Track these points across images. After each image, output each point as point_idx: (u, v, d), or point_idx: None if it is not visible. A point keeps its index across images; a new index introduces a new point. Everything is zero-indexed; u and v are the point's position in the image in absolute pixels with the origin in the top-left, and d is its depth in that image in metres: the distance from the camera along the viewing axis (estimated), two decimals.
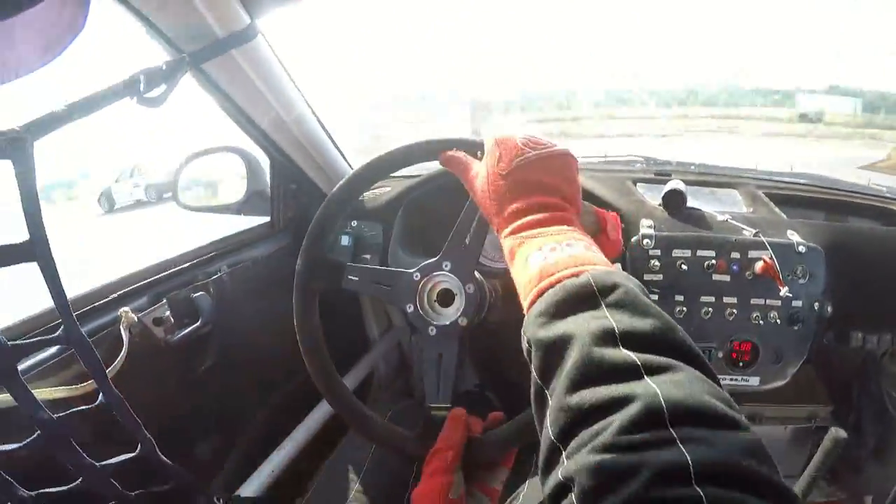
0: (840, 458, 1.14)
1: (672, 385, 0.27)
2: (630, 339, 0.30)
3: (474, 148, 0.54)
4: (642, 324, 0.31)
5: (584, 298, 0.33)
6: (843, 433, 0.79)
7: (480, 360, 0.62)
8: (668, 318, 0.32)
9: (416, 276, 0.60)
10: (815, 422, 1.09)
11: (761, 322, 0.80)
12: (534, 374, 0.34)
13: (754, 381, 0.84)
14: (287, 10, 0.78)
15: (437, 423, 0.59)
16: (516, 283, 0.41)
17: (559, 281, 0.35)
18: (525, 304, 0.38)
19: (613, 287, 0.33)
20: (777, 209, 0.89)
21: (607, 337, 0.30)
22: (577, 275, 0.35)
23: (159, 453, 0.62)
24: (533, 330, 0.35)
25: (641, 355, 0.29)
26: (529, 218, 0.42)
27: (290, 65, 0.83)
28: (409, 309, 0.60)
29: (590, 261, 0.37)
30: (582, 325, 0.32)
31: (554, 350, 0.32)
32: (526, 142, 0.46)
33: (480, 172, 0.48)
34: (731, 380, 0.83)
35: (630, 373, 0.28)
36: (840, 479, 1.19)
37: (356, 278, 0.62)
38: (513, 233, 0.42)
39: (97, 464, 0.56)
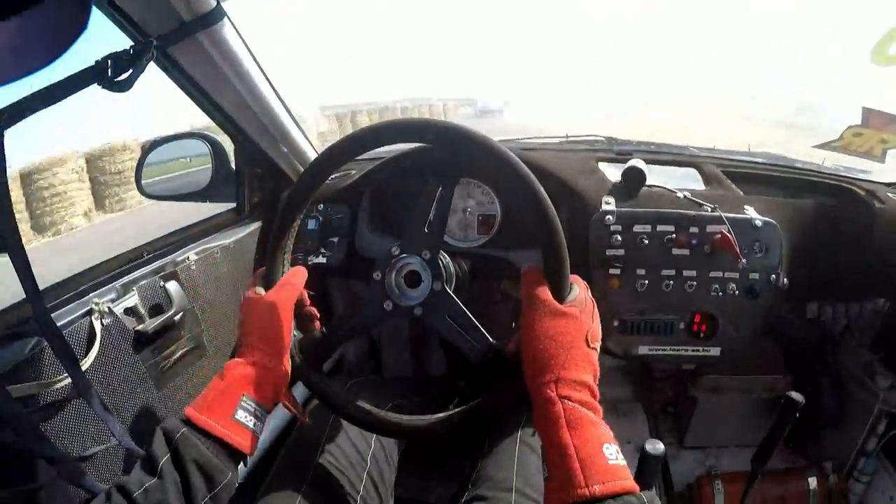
0: (800, 427, 1.20)
1: None
2: None
3: (427, 131, 0.56)
4: None
5: None
6: (799, 396, 0.83)
7: (448, 345, 0.61)
8: None
9: (378, 276, 0.60)
10: (774, 392, 1.14)
11: (720, 294, 0.82)
12: None
13: (715, 350, 0.86)
14: None
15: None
16: (577, 452, 0.43)
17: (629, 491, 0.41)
18: (588, 487, 0.41)
19: None
20: (734, 186, 0.92)
21: None
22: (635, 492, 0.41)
23: (133, 444, 0.62)
24: None
25: None
26: (593, 402, 0.47)
27: (257, 48, 0.82)
28: (388, 307, 0.60)
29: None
30: None
31: None
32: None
33: (571, 323, 0.49)
34: (693, 350, 0.86)
35: None
36: (801, 447, 1.25)
37: (350, 325, 0.62)
38: (579, 403, 0.46)
39: (71, 455, 0.55)
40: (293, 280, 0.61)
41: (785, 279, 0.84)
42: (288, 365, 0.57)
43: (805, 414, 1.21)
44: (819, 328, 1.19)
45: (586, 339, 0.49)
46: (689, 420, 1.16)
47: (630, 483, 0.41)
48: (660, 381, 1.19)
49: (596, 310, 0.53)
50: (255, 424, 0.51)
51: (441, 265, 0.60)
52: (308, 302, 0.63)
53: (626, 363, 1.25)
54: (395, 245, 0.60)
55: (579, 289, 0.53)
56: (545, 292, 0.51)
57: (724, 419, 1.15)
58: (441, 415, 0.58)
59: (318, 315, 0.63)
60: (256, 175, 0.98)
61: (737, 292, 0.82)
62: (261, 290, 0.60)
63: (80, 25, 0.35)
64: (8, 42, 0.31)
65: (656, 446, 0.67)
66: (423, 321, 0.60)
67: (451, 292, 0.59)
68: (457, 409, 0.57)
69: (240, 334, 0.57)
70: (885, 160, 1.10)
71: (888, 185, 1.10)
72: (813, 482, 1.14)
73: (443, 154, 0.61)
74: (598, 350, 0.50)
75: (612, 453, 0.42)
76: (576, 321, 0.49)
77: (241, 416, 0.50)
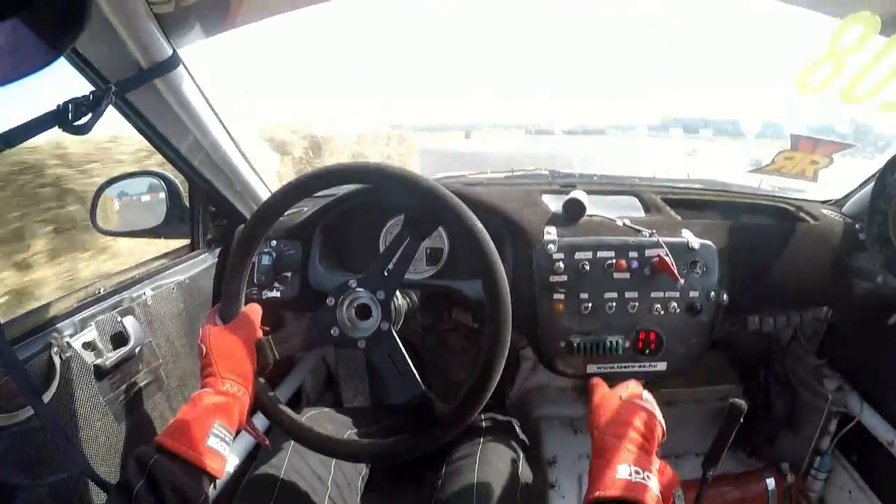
0: (755, 433, 1.25)
1: None
2: None
3: (386, 175, 0.62)
4: None
5: None
6: (742, 403, 0.87)
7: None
8: None
9: (331, 301, 0.64)
10: (727, 400, 1.18)
11: (662, 312, 0.86)
12: None
13: (661, 365, 0.90)
14: (207, 41, 0.80)
15: (410, 412, 0.62)
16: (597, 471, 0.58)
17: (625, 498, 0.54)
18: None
19: None
20: (672, 212, 0.97)
21: None
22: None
23: (95, 473, 0.63)
24: None
25: None
26: (629, 434, 0.62)
27: (210, 91, 0.85)
28: (335, 333, 0.63)
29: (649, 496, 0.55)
30: None
31: None
32: (647, 396, 0.71)
33: (613, 392, 0.70)
34: (640, 366, 0.89)
35: None
36: (758, 452, 1.29)
37: (287, 342, 0.65)
38: (615, 436, 0.61)
39: (34, 483, 0.56)
40: (251, 315, 0.66)
41: (725, 295, 0.88)
42: (252, 392, 0.61)
43: (759, 420, 1.27)
44: (766, 338, 1.25)
45: (620, 398, 0.68)
46: None
47: (623, 493, 0.53)
48: None
49: (633, 387, 0.72)
50: (224, 449, 0.54)
51: (392, 307, 0.64)
52: (262, 336, 0.66)
53: (580, 383, 1.27)
54: (354, 279, 0.64)
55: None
56: (601, 386, 0.75)
57: (681, 429, 1.19)
58: (364, 440, 0.65)
59: (274, 349, 0.65)
60: (210, 213, 0.99)
61: (678, 310, 0.86)
62: (219, 322, 0.64)
63: (77, 27, 0.36)
64: (7, 42, 0.32)
65: None
66: (364, 354, 0.63)
67: (395, 334, 0.63)
68: (384, 440, 0.62)
69: (204, 364, 0.60)
70: (817, 180, 1.17)
71: (822, 202, 1.18)
72: (771, 483, 1.19)
73: (418, 204, 0.64)
74: (638, 404, 0.66)
75: (627, 471, 0.56)
76: (615, 391, 0.71)
77: (213, 441, 0.53)
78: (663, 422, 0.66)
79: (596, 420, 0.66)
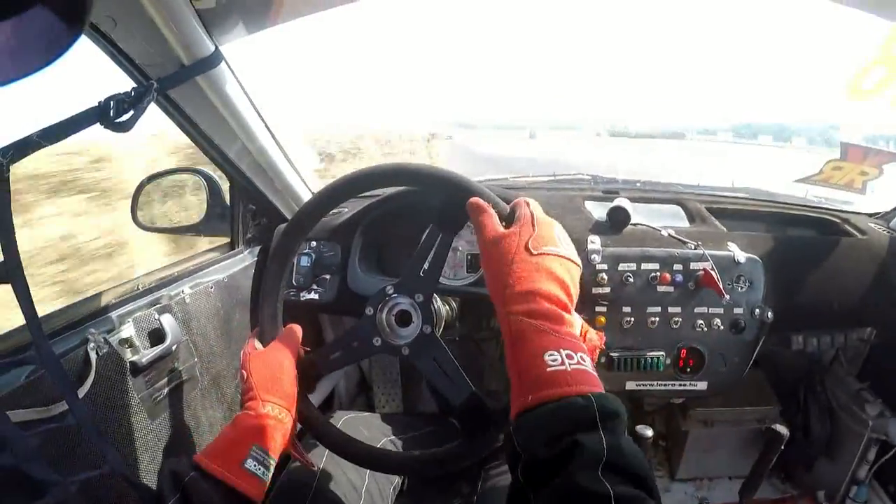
0: (792, 457, 1.20)
1: None
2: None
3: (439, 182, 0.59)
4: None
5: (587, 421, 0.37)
6: (784, 430, 0.84)
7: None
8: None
9: (370, 311, 0.63)
10: (765, 423, 1.14)
11: (705, 329, 0.84)
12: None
13: (702, 385, 0.87)
14: (250, 38, 0.81)
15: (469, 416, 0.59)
16: (517, 366, 0.42)
17: (568, 395, 0.39)
18: (524, 397, 0.40)
19: (614, 415, 0.38)
20: (718, 223, 0.94)
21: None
22: (583, 394, 0.39)
23: (126, 471, 0.63)
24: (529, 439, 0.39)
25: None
26: (544, 307, 0.44)
27: (252, 90, 0.85)
28: (378, 343, 0.62)
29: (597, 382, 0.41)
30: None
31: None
32: (559, 235, 0.50)
33: (508, 240, 0.48)
34: (681, 385, 0.86)
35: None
36: (793, 477, 1.24)
37: (330, 358, 0.64)
38: (525, 314, 0.44)
39: (65, 479, 0.56)
40: (292, 335, 0.64)
41: (769, 313, 0.85)
42: (295, 416, 0.59)
43: (796, 444, 1.22)
44: (807, 358, 1.20)
45: (527, 248, 0.47)
46: (681, 453, 1.16)
47: (565, 388, 0.39)
48: (650, 415, 1.19)
49: (540, 218, 0.51)
50: (263, 473, 0.53)
51: (432, 310, 0.62)
52: (304, 355, 0.65)
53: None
54: (390, 284, 0.63)
55: (519, 207, 0.53)
56: (488, 218, 0.52)
57: (716, 451, 1.15)
58: (416, 452, 0.61)
59: (317, 367, 0.64)
60: (250, 211, 0.99)
61: (722, 327, 0.84)
62: (259, 345, 0.63)
63: (77, 27, 0.36)
64: (7, 42, 0.32)
65: (645, 432, 0.72)
66: (409, 360, 0.62)
67: (438, 337, 0.61)
68: (435, 449, 0.59)
69: (245, 388, 0.59)
70: (865, 192, 1.12)
71: (869, 215, 1.13)
72: None
73: (445, 201, 0.62)
74: (554, 254, 0.48)
75: (556, 359, 0.40)
76: (513, 236, 0.49)
77: (251, 464, 0.52)
78: (579, 261, 0.50)
79: (495, 285, 0.47)
